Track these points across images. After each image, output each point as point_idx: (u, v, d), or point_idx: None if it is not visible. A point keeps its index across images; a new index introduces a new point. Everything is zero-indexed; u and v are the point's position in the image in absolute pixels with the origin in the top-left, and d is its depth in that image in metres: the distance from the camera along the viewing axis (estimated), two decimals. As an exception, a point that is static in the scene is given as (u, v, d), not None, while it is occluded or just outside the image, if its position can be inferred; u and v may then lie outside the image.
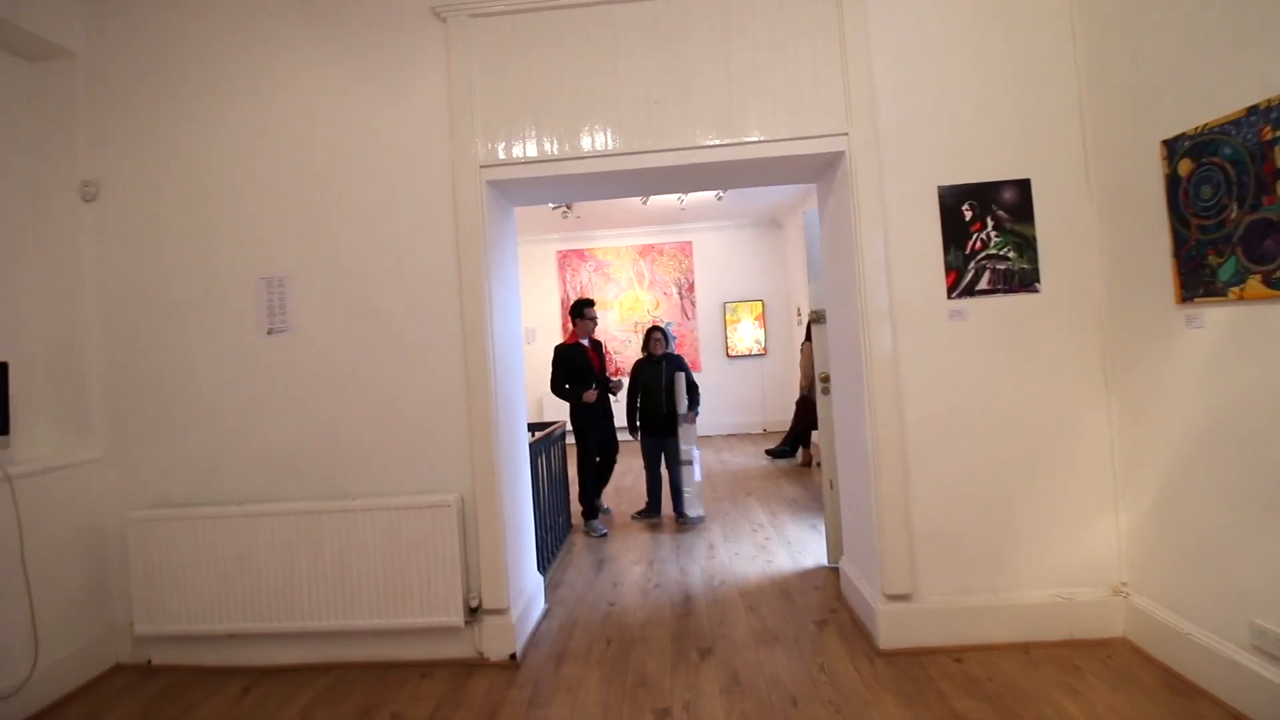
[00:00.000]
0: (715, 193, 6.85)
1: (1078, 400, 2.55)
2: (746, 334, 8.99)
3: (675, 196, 6.93)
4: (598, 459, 4.71)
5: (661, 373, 4.66)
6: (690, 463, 4.65)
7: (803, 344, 6.34)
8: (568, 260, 9.15)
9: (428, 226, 2.71)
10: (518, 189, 2.86)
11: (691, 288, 9.10)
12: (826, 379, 3.55)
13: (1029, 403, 2.56)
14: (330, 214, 2.74)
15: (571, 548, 4.23)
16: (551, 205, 6.65)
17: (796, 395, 7.34)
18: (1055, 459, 2.56)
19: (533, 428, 4.98)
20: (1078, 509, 2.55)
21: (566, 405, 4.72)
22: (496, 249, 2.83)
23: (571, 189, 2.91)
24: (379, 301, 2.73)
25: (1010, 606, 2.55)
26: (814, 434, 6.62)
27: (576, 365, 4.52)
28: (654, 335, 4.73)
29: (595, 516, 4.57)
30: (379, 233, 2.73)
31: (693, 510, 4.56)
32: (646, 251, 9.11)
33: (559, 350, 4.59)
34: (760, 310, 8.97)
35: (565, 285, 9.15)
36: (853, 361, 2.76)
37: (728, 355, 8.99)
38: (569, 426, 4.69)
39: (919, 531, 2.59)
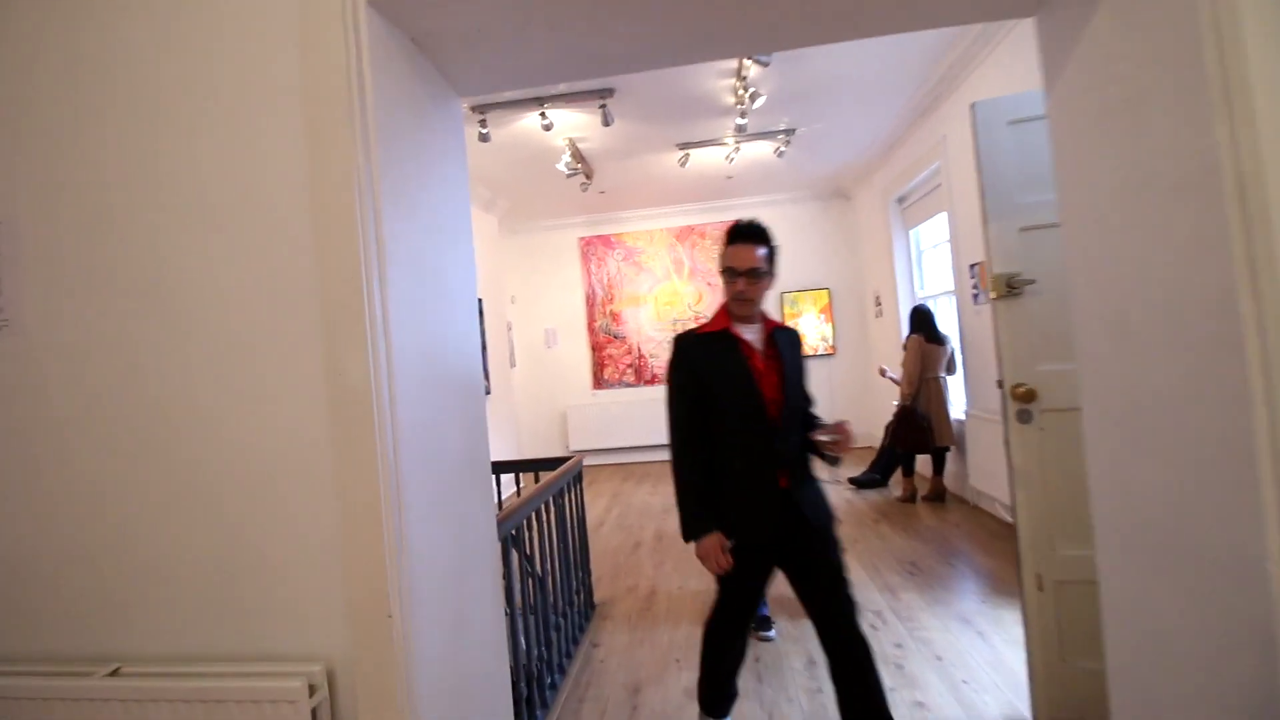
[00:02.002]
0: (775, 146, 5.34)
1: None
2: (810, 330, 7.43)
3: (724, 156, 5.45)
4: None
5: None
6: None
7: (909, 338, 4.77)
8: (592, 247, 7.76)
9: (257, 118, 1.30)
10: (441, 24, 1.43)
11: (741, 276, 7.58)
12: (1028, 396, 2.02)
13: None
14: (77, 113, 1.36)
15: (592, 652, 2.79)
16: (566, 172, 5.25)
17: (880, 404, 5.78)
18: None
19: (536, 465, 3.58)
20: None
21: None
22: (397, 149, 1.41)
23: (558, 21, 1.46)
24: (166, 264, 1.33)
25: None
26: (919, 458, 5.03)
27: (716, 383, 1.80)
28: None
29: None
30: (167, 137, 1.33)
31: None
32: (685, 235, 7.65)
33: (679, 344, 1.87)
34: (826, 301, 7.40)
35: (590, 277, 7.76)
36: (1179, 369, 1.25)
37: (787, 356, 7.44)
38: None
39: None
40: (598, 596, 3.38)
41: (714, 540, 1.74)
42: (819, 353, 7.40)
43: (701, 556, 1.76)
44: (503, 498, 3.66)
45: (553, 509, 2.72)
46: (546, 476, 2.88)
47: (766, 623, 2.78)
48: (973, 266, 4.35)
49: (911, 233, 5.83)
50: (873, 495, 5.11)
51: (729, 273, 1.83)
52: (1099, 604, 2.00)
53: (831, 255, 7.45)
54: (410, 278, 1.37)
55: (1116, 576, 1.54)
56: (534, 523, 2.45)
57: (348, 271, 1.23)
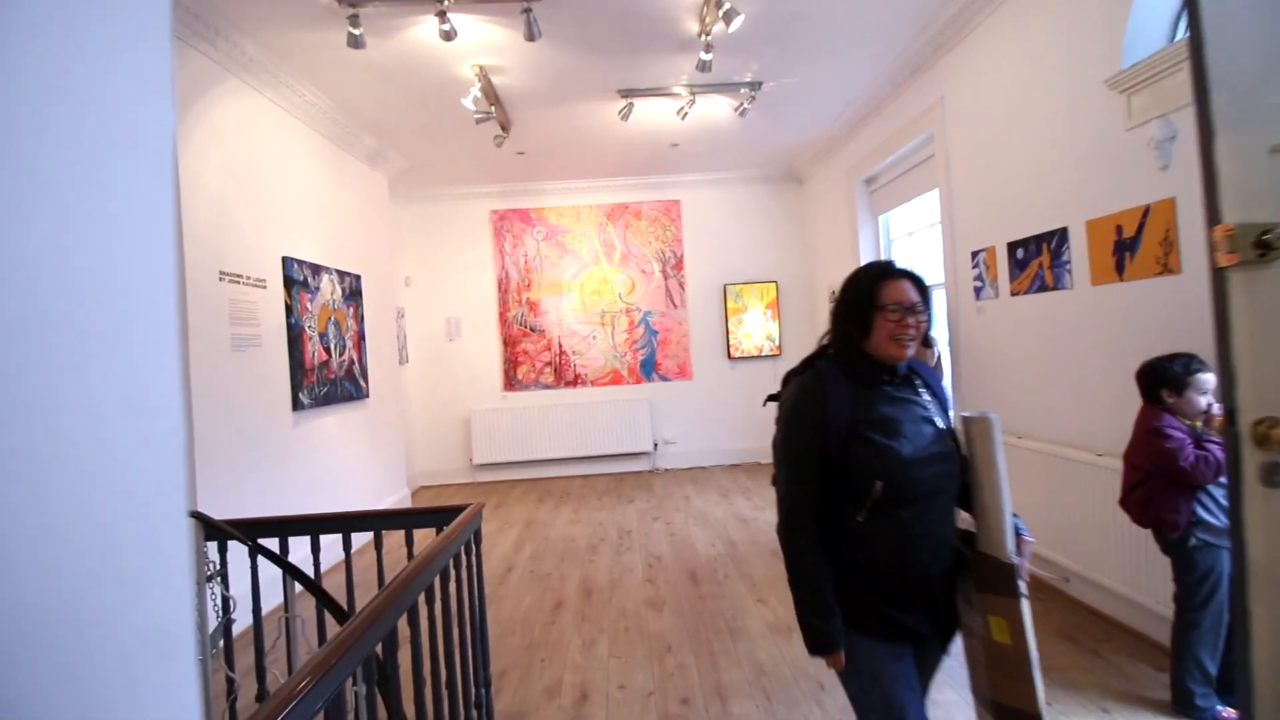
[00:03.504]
0: (738, 104, 4.41)
1: None
2: (755, 327, 6.61)
3: (676, 110, 4.45)
4: None
5: (930, 419, 1.33)
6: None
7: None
8: (507, 223, 6.56)
9: None
10: None
11: (680, 264, 6.66)
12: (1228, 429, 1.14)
13: None
14: None
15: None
16: (475, 112, 4.08)
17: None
18: None
19: (412, 518, 2.34)
20: None
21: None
22: None
23: None
24: None
25: None
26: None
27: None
28: (900, 285, 1.29)
29: None
30: None
31: None
32: (618, 213, 6.62)
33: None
34: (774, 295, 6.61)
35: (504, 258, 6.56)
36: None
37: (729, 356, 6.60)
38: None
39: None
40: (502, 706, 2.28)
41: None
42: (764, 354, 6.60)
43: None
44: (354, 549, 2.48)
45: (437, 598, 1.62)
46: (424, 538, 1.77)
47: None
48: (975, 254, 3.62)
49: (881, 219, 5.11)
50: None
51: None
52: None
53: (781, 245, 6.68)
54: None
55: None
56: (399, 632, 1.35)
57: None
